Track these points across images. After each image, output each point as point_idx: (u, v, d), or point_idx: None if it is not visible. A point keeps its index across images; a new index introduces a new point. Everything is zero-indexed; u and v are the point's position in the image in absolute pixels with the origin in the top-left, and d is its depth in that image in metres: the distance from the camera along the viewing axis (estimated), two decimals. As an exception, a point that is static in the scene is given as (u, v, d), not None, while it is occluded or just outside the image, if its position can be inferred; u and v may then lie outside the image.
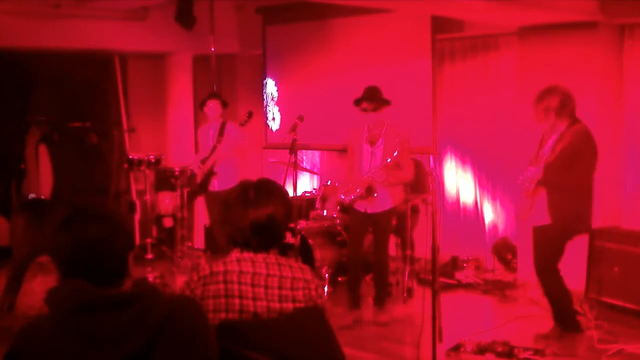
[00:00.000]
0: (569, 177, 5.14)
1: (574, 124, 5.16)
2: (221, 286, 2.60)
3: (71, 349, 1.95)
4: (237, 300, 2.59)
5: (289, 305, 2.63)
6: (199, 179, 7.24)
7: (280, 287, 2.63)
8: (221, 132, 7.04)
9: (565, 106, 5.16)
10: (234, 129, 7.07)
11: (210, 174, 7.13)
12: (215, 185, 7.15)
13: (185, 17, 8.05)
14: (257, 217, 2.66)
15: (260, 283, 2.62)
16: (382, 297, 6.14)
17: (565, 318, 5.37)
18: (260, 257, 2.67)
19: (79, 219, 2.09)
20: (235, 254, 2.69)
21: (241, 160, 7.42)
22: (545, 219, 5.21)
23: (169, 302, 2.09)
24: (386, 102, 5.92)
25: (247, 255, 2.67)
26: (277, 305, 2.62)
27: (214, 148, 7.04)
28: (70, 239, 2.06)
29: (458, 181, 8.01)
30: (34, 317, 2.05)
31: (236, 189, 2.74)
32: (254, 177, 2.99)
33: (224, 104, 7.32)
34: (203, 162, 7.16)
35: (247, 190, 2.71)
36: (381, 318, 6.01)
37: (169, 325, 2.03)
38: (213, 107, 7.19)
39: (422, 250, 7.09)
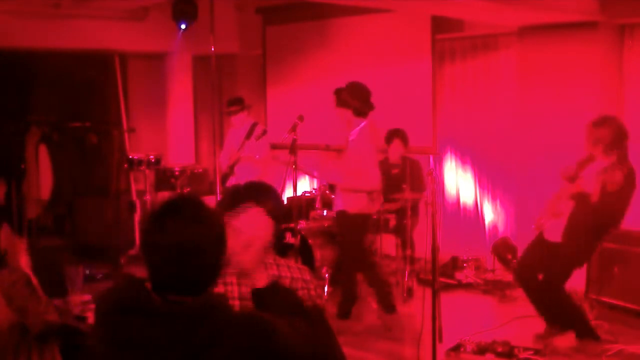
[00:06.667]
0: (602, 218, 5.05)
1: (623, 161, 4.96)
2: (221, 288, 2.59)
3: (109, 350, 1.93)
4: (237, 302, 2.58)
5: (289, 306, 2.63)
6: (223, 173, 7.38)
7: (279, 288, 2.63)
8: (249, 134, 7.17)
9: (616, 142, 4.99)
10: (260, 133, 7.19)
11: (230, 172, 7.21)
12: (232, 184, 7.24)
13: (181, 14, 8.06)
14: None
15: (260, 284, 2.61)
16: (346, 311, 5.69)
17: (582, 328, 5.27)
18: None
19: (173, 219, 1.91)
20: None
21: (263, 172, 7.45)
22: (556, 237, 5.19)
23: (230, 321, 1.95)
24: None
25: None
26: (277, 306, 2.61)
27: (242, 145, 7.14)
28: (162, 241, 1.90)
29: (458, 181, 8.00)
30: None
31: (226, 192, 2.73)
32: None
33: (247, 108, 7.43)
34: (229, 158, 7.31)
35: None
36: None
37: (216, 344, 1.89)
38: (240, 116, 7.34)
39: (422, 250, 7.09)
